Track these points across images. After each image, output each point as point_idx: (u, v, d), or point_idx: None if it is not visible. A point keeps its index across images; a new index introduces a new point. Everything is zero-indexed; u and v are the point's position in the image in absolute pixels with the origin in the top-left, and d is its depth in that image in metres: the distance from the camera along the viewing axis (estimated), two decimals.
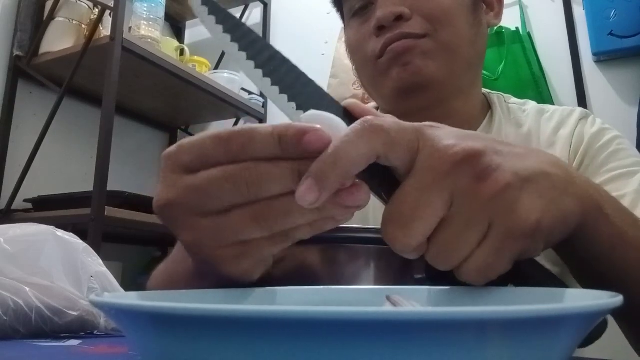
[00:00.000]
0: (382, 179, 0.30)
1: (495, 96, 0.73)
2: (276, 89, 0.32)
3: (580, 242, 0.33)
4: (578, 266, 0.38)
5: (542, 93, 1.59)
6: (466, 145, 0.28)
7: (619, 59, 1.61)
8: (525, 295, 0.29)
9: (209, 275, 0.34)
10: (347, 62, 1.79)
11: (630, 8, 1.55)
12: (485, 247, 0.28)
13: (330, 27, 1.97)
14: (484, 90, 0.73)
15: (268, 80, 0.32)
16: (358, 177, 0.28)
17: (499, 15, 0.70)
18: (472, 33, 0.64)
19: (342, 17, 0.73)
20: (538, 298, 0.28)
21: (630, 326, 0.44)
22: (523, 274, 0.31)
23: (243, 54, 0.32)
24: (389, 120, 0.29)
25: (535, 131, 0.67)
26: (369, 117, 0.28)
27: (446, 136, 0.29)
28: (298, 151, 0.27)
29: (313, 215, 0.29)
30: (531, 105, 0.72)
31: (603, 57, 1.64)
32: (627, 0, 1.55)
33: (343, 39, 1.84)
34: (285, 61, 0.33)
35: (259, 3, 2.24)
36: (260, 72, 0.32)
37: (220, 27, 0.32)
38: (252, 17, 2.30)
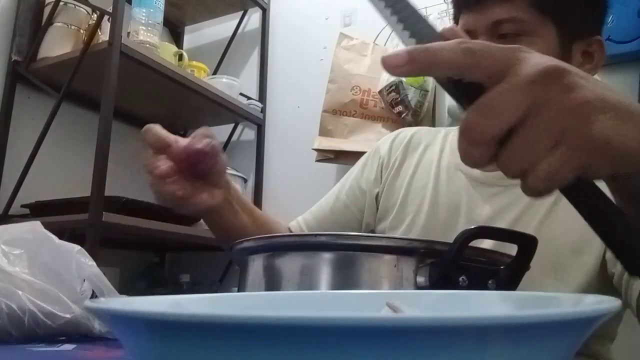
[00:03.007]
0: (467, 91, 0.34)
1: None
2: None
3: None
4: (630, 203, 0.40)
5: None
6: (558, 63, 0.32)
7: (617, 64, 1.61)
8: (526, 300, 0.29)
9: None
10: (345, 67, 1.81)
11: (628, 13, 1.55)
12: (556, 154, 0.31)
13: (328, 32, 1.97)
14: None
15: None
16: (445, 88, 0.36)
17: (595, 68, 0.73)
18: None
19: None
20: (539, 303, 0.28)
21: None
22: (580, 190, 0.34)
23: None
24: (478, 43, 0.33)
25: None
26: (462, 39, 0.33)
27: (539, 56, 0.33)
28: None
29: None
30: None
31: None
32: (624, 5, 1.56)
33: (341, 45, 1.85)
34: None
35: (257, 9, 2.24)
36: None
37: None
38: (251, 22, 2.31)
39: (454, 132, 0.85)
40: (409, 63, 0.33)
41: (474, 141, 0.32)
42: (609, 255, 0.65)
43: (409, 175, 0.82)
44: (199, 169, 0.59)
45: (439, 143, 0.84)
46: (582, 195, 0.35)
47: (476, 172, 0.75)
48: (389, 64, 0.33)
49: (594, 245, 0.67)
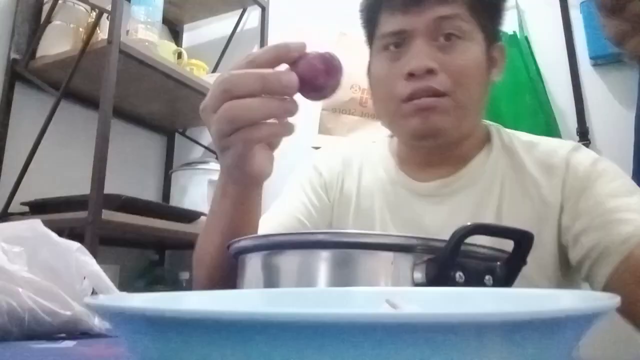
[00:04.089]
0: None
1: (494, 128, 0.80)
2: None
3: None
4: None
5: (539, 97, 1.60)
6: None
7: (616, 62, 1.62)
8: (523, 296, 0.29)
9: (232, 180, 0.55)
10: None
11: None
12: None
13: (328, 31, 1.97)
14: (485, 122, 0.81)
15: None
16: None
17: (500, 72, 0.78)
18: (482, 91, 0.73)
19: (369, 42, 0.79)
20: (537, 300, 0.28)
21: None
22: None
23: None
24: None
25: (527, 160, 0.74)
26: None
27: None
28: None
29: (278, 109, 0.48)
30: (524, 137, 0.79)
31: (600, 61, 1.64)
32: None
33: (340, 43, 1.85)
34: None
35: (257, 7, 2.24)
36: None
37: None
38: (250, 20, 2.31)
39: (383, 144, 0.84)
40: None
41: None
42: (567, 239, 0.67)
43: (355, 197, 0.79)
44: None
45: (373, 156, 0.83)
46: None
47: (413, 184, 0.76)
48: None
49: (543, 239, 0.67)
